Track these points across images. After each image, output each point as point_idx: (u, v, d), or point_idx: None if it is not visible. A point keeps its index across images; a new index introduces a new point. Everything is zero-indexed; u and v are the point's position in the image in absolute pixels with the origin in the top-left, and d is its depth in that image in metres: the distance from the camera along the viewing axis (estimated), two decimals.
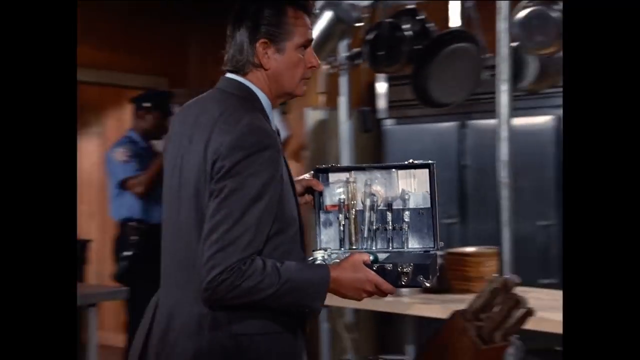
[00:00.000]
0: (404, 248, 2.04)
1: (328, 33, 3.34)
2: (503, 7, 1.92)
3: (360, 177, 2.09)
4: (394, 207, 2.07)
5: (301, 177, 2.17)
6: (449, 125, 4.61)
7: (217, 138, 1.82)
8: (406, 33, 3.32)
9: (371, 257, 1.91)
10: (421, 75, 3.16)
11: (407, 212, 2.05)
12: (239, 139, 1.79)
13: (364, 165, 2.12)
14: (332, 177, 2.12)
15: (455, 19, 3.10)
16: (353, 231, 2.09)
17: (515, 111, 3.98)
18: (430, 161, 2.04)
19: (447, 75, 3.16)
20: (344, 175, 2.11)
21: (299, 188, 2.10)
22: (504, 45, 1.84)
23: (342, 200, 2.10)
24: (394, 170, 2.07)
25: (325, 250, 2.02)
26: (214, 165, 1.80)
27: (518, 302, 1.60)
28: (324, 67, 3.83)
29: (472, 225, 4.42)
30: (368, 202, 2.07)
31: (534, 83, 3.32)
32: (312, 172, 2.17)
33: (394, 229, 2.07)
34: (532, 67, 3.24)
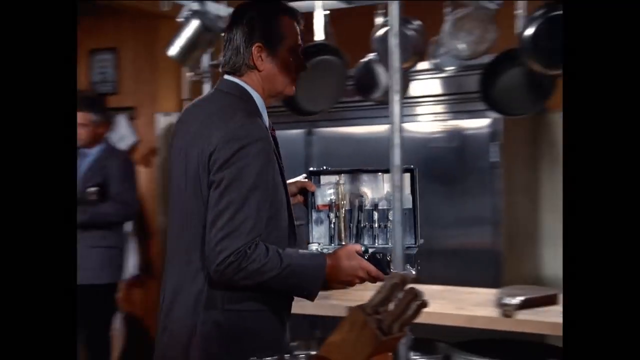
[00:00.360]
0: (388, 244, 2.24)
1: (194, 41, 3.38)
2: (394, 25, 2.07)
3: (349, 180, 2.27)
4: (380, 207, 2.27)
5: (296, 179, 2.33)
6: (296, 132, 4.71)
7: (213, 132, 1.96)
8: None
9: (362, 248, 2.08)
10: None
11: (391, 212, 2.24)
12: (233, 132, 1.94)
13: (352, 169, 2.29)
14: (324, 179, 2.28)
15: (319, 33, 3.20)
16: (342, 228, 2.28)
17: (358, 120, 4.21)
18: (412, 166, 2.26)
19: (314, 85, 3.25)
20: (334, 178, 2.29)
21: (293, 188, 2.26)
22: (395, 59, 1.99)
23: (332, 201, 2.28)
24: (380, 174, 2.28)
25: (319, 244, 2.21)
26: (211, 157, 1.95)
27: (416, 295, 1.72)
28: (188, 75, 3.85)
29: None
30: (357, 203, 2.24)
31: (385, 95, 3.59)
32: (306, 174, 2.36)
33: (379, 227, 2.26)
34: (383, 80, 3.47)
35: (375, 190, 2.27)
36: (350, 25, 3.54)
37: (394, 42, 1.98)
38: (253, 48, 2.03)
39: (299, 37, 2.11)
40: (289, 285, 1.99)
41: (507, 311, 2.73)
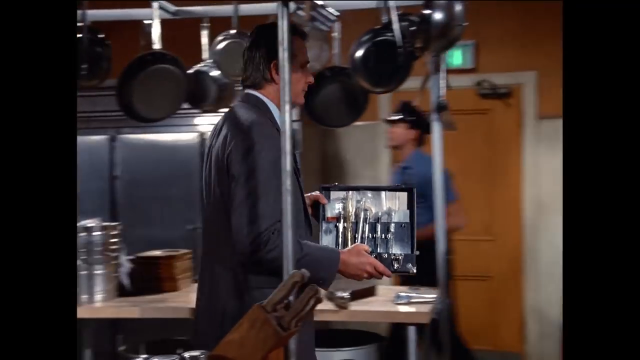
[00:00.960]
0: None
1: None
2: (285, 39, 2.17)
3: (355, 196, 2.59)
4: (382, 220, 2.59)
5: (310, 193, 2.62)
6: (100, 138, 4.75)
7: (231, 132, 2.32)
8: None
9: (370, 249, 2.46)
10: (125, 91, 3.26)
11: (392, 225, 2.57)
12: (247, 131, 2.28)
13: (359, 186, 2.63)
14: (333, 194, 2.59)
15: (157, 41, 3.31)
16: (349, 238, 2.57)
17: (163, 127, 4.28)
18: (411, 186, 2.64)
19: (152, 93, 3.32)
20: (342, 194, 2.59)
21: (307, 201, 2.54)
22: (286, 72, 2.10)
23: (340, 213, 2.58)
24: (382, 192, 2.61)
25: None
26: (230, 154, 2.28)
27: (317, 292, 1.82)
28: None
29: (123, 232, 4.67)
30: (362, 215, 2.55)
31: (213, 104, 3.71)
32: (319, 189, 2.65)
33: (381, 237, 2.56)
34: (212, 91, 3.63)
35: (378, 205, 2.60)
36: (177, 35, 3.71)
37: (285, 56, 2.09)
38: (272, 65, 2.38)
39: (307, 54, 2.47)
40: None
41: (341, 303, 2.99)
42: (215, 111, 3.92)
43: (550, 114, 5.29)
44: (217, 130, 2.45)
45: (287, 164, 2.15)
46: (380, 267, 2.41)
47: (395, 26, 3.12)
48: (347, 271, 2.38)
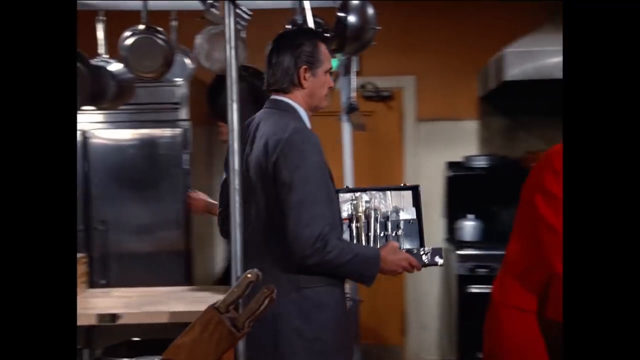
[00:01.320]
0: (400, 249, 2.60)
1: None
2: (232, 36, 2.12)
3: (364, 196, 2.68)
4: (391, 218, 2.69)
5: None
6: None
7: (272, 139, 2.37)
8: None
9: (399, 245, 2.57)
10: None
11: (401, 222, 2.69)
12: (292, 137, 2.34)
13: (366, 187, 2.72)
14: (342, 197, 2.64)
15: None
16: (363, 237, 2.65)
17: (98, 123, 4.16)
18: (417, 184, 2.74)
19: None
20: (350, 195, 2.67)
21: None
22: (233, 69, 2.06)
23: (352, 214, 2.66)
24: (388, 192, 2.71)
25: None
26: (277, 161, 2.33)
27: (273, 291, 1.85)
28: None
29: None
30: (372, 215, 2.64)
31: (111, 102, 3.58)
32: None
33: (392, 235, 2.67)
34: (111, 88, 3.50)
35: (385, 204, 2.72)
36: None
37: (232, 53, 2.07)
38: (301, 70, 2.46)
39: (330, 60, 2.56)
40: (354, 271, 2.41)
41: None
42: (113, 109, 3.78)
43: (428, 117, 5.53)
44: (250, 138, 2.49)
45: (236, 163, 2.13)
46: (414, 261, 2.55)
47: (311, 26, 3.17)
48: (386, 267, 2.50)
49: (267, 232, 2.42)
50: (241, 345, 2.18)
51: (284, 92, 2.51)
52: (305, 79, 2.48)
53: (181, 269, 4.71)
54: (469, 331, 4.67)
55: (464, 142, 5.46)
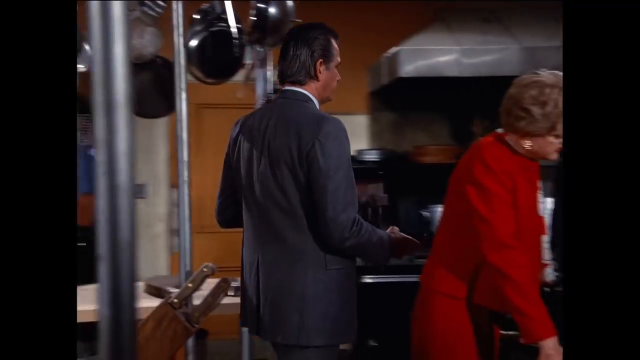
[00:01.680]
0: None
1: None
2: (180, 23, 2.04)
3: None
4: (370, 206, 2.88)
5: None
6: None
7: (305, 129, 2.47)
8: None
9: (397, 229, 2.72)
10: None
11: (380, 208, 2.97)
12: (327, 127, 2.46)
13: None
14: None
15: None
16: None
17: None
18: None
19: None
20: None
21: None
22: (182, 58, 1.99)
23: None
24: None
25: None
26: (310, 152, 2.44)
27: (228, 284, 1.86)
28: None
29: None
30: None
31: None
32: None
33: (371, 220, 2.85)
34: None
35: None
36: None
37: (179, 41, 2.01)
38: (317, 63, 2.60)
39: (339, 55, 2.68)
40: (376, 253, 2.56)
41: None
42: None
43: (321, 109, 5.59)
44: (264, 126, 2.57)
45: (185, 154, 2.09)
46: (416, 242, 2.72)
47: (231, 17, 3.13)
48: (395, 249, 2.65)
49: (286, 219, 2.52)
50: (189, 341, 2.14)
51: (300, 83, 2.62)
52: (320, 72, 2.61)
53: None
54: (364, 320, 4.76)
55: (355, 136, 5.56)
